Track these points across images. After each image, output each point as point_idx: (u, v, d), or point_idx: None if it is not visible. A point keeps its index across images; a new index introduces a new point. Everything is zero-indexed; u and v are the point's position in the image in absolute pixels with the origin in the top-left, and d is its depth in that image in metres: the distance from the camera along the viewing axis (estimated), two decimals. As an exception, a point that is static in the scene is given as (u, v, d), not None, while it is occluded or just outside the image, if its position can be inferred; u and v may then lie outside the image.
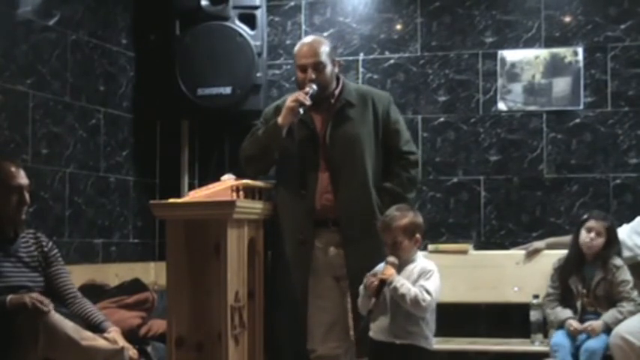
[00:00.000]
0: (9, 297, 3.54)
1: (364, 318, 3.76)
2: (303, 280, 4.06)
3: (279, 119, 4.03)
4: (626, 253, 4.79)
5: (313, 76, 4.04)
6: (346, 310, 4.06)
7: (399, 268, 3.70)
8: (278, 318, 4.12)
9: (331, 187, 4.07)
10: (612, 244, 4.71)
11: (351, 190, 4.06)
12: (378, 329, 3.73)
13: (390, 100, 4.28)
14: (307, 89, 4.02)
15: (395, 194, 4.06)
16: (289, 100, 4.04)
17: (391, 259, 3.70)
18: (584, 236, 4.70)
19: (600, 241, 4.69)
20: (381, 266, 3.74)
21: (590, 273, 4.69)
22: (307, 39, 4.22)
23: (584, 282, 4.70)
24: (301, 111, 4.00)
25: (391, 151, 4.18)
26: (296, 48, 4.18)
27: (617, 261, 4.67)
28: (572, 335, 4.53)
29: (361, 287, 3.75)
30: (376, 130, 4.15)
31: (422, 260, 3.78)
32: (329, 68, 4.10)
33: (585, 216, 4.81)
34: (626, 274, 4.64)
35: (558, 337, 4.55)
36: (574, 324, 4.55)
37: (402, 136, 4.21)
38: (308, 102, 3.99)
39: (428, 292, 3.62)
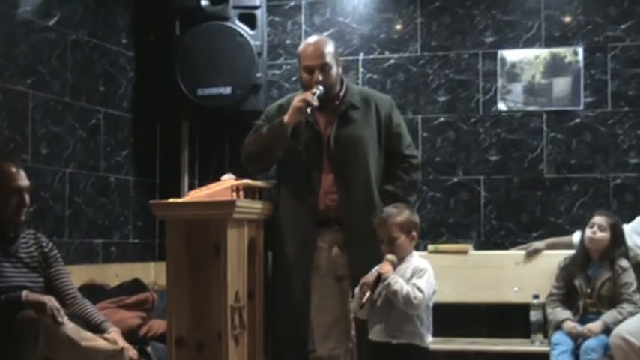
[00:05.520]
0: (25, 292, 3.55)
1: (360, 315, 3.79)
2: (305, 280, 4.06)
3: (285, 118, 4.02)
4: (626, 253, 4.80)
5: (320, 77, 4.02)
6: (347, 310, 4.06)
7: (395, 266, 3.72)
8: (279, 318, 4.12)
9: (336, 188, 4.07)
10: (618, 243, 4.72)
11: (355, 192, 4.06)
12: (375, 330, 3.75)
13: (392, 103, 4.28)
14: (314, 90, 4.01)
15: (397, 197, 4.05)
16: (297, 99, 4.02)
17: (390, 256, 3.73)
18: (587, 231, 4.72)
19: (603, 235, 4.69)
20: (378, 267, 3.75)
21: (596, 273, 4.70)
22: (312, 39, 4.20)
23: (588, 282, 4.70)
24: (308, 111, 3.99)
25: (393, 155, 4.17)
26: (300, 48, 4.17)
27: (624, 262, 4.68)
28: (571, 336, 4.53)
29: (356, 289, 3.77)
30: (379, 133, 4.15)
31: (416, 259, 3.80)
32: (334, 69, 4.09)
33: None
34: (629, 277, 4.64)
35: (558, 338, 4.57)
36: (572, 325, 4.55)
37: (404, 140, 4.21)
38: (315, 102, 3.97)
39: (420, 289, 3.64)
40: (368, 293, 3.67)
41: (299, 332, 4.06)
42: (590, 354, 4.41)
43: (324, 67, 4.04)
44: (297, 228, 4.08)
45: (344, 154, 4.07)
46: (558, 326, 4.62)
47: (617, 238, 4.73)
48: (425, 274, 3.71)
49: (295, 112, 3.99)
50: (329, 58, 4.06)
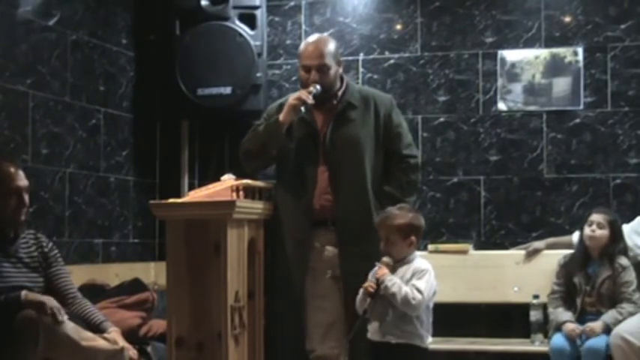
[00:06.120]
0: (23, 292, 3.55)
1: (358, 318, 3.77)
2: (301, 280, 4.06)
3: (280, 116, 4.04)
4: (626, 253, 4.80)
5: (317, 77, 4.04)
6: (346, 310, 4.05)
7: (394, 268, 3.72)
8: (277, 318, 4.12)
9: (330, 188, 4.07)
10: (617, 239, 4.71)
11: (349, 192, 4.06)
12: (373, 329, 3.75)
13: (392, 103, 4.27)
14: (311, 88, 4.02)
15: (394, 198, 4.05)
16: (292, 98, 4.04)
17: (385, 259, 3.73)
18: (586, 230, 4.72)
19: (602, 233, 4.69)
20: (375, 270, 3.74)
21: (596, 271, 4.70)
22: (312, 38, 4.20)
23: (588, 280, 4.70)
24: (303, 110, 4.00)
25: (392, 155, 4.17)
26: (301, 47, 4.18)
27: (624, 261, 4.68)
28: (571, 338, 4.52)
29: (361, 290, 3.76)
30: (377, 133, 4.15)
31: (417, 260, 3.78)
32: (333, 69, 4.09)
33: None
34: (630, 276, 4.64)
35: (557, 340, 4.55)
36: (572, 328, 4.54)
37: (404, 139, 4.21)
38: (310, 101, 3.98)
39: (419, 290, 3.63)
40: (368, 300, 3.68)
41: (298, 332, 4.06)
42: (593, 357, 4.41)
43: (322, 68, 4.05)
44: (293, 228, 4.09)
45: (339, 154, 4.08)
46: (558, 328, 4.61)
47: (616, 234, 4.73)
48: (425, 276, 3.70)
49: (290, 111, 4.01)
50: (327, 59, 4.06)
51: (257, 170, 4.40)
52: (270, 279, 4.16)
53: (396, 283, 3.64)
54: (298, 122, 4.09)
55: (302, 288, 4.06)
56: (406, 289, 3.63)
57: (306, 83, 4.07)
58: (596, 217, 4.73)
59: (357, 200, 4.06)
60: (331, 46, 4.12)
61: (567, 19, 5.38)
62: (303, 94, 4.00)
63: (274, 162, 4.27)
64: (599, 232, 4.70)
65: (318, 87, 4.02)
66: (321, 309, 4.07)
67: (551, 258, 4.96)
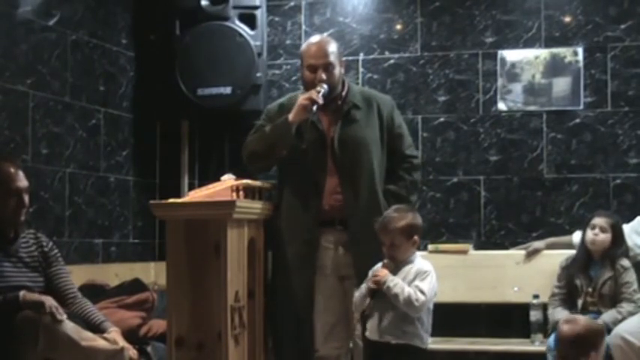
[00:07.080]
0: (22, 292, 3.55)
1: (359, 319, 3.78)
2: (308, 280, 4.05)
3: (290, 116, 4.00)
4: (626, 253, 4.80)
5: (324, 76, 4.02)
6: (349, 310, 4.05)
7: (397, 269, 3.73)
8: (280, 318, 4.11)
9: (340, 188, 4.06)
10: (619, 242, 4.71)
11: (359, 192, 4.06)
12: (373, 329, 3.75)
13: (393, 104, 4.28)
14: (319, 89, 4.00)
15: (399, 197, 4.06)
16: (302, 97, 4.01)
17: (386, 262, 3.73)
18: (589, 233, 4.72)
19: (605, 236, 4.69)
20: (378, 266, 3.75)
21: (598, 273, 4.69)
22: (315, 38, 4.19)
23: (590, 281, 4.70)
24: (314, 109, 3.99)
25: (395, 155, 4.18)
26: (303, 47, 4.16)
27: (625, 262, 4.68)
28: None
29: (362, 286, 3.76)
30: (381, 134, 4.15)
31: (419, 261, 3.79)
32: (337, 69, 4.09)
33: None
34: (630, 276, 4.64)
35: (553, 339, 4.56)
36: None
37: (405, 140, 4.23)
38: (321, 101, 3.96)
39: (422, 291, 3.64)
40: (367, 300, 3.68)
41: (301, 332, 4.06)
42: None
43: (328, 67, 4.04)
44: (300, 228, 4.06)
45: (348, 155, 4.07)
46: (555, 327, 4.62)
47: (618, 237, 4.73)
48: (428, 277, 3.71)
49: (300, 110, 3.98)
50: (332, 58, 4.06)
51: (262, 171, 4.39)
52: (273, 279, 4.15)
53: (398, 284, 3.65)
54: (306, 123, 4.07)
55: (308, 288, 4.04)
56: (409, 290, 3.63)
57: (311, 84, 4.04)
58: (598, 220, 4.73)
59: (368, 200, 4.05)
60: (334, 46, 4.12)
61: (567, 19, 5.38)
62: (313, 94, 3.98)
63: (279, 163, 4.24)
64: (601, 237, 4.70)
65: (325, 87, 4.00)
66: (325, 309, 4.06)
67: (551, 258, 4.97)
